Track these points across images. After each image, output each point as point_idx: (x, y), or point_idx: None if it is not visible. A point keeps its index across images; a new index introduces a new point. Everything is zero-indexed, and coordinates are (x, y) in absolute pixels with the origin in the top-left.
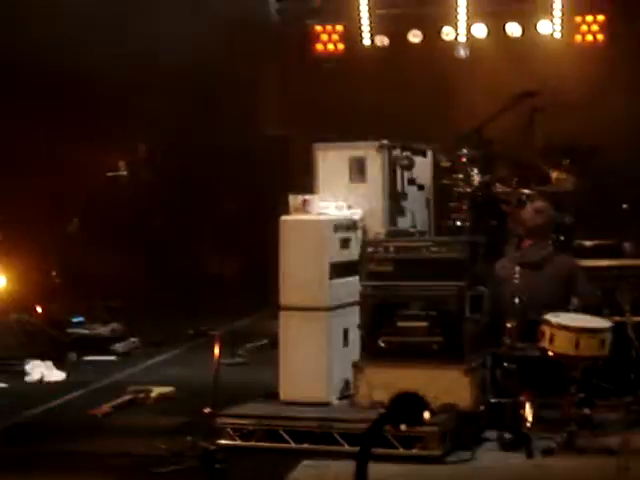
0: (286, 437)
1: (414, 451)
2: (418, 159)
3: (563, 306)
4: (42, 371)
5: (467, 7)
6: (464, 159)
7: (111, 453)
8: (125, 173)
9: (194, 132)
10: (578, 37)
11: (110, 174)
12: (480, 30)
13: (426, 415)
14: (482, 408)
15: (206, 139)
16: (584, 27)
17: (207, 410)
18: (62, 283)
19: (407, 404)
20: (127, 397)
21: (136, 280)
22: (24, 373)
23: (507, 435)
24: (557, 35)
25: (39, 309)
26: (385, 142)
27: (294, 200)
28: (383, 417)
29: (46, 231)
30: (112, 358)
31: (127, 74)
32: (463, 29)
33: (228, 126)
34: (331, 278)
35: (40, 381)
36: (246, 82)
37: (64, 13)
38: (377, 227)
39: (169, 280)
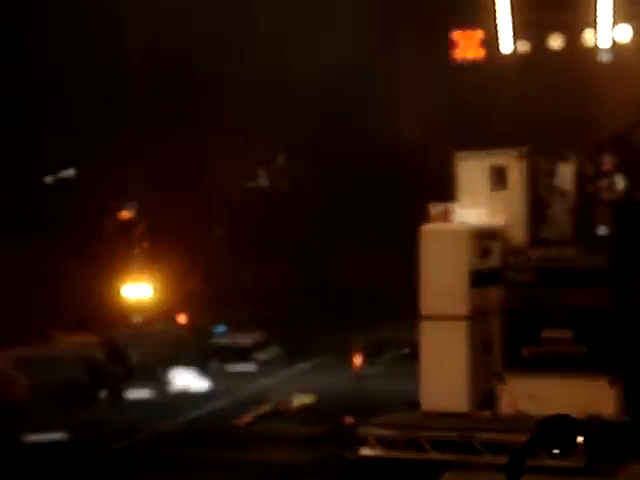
0: (428, 447)
1: (560, 462)
2: (561, 166)
3: None
4: (186, 380)
5: (612, 9)
6: (608, 166)
7: (254, 462)
8: (265, 182)
9: (333, 141)
10: None
11: (250, 184)
12: (624, 32)
13: (580, 440)
14: (628, 419)
15: (344, 147)
16: None
17: (348, 419)
18: (206, 292)
19: (560, 427)
20: (269, 406)
21: (278, 290)
22: (169, 382)
23: None
24: None
25: (183, 318)
26: (526, 149)
27: (435, 209)
28: (533, 440)
29: (191, 241)
30: (254, 367)
31: (267, 85)
32: (605, 32)
33: (366, 135)
34: (471, 287)
35: (184, 390)
36: (382, 92)
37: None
38: (518, 235)
39: (311, 289)
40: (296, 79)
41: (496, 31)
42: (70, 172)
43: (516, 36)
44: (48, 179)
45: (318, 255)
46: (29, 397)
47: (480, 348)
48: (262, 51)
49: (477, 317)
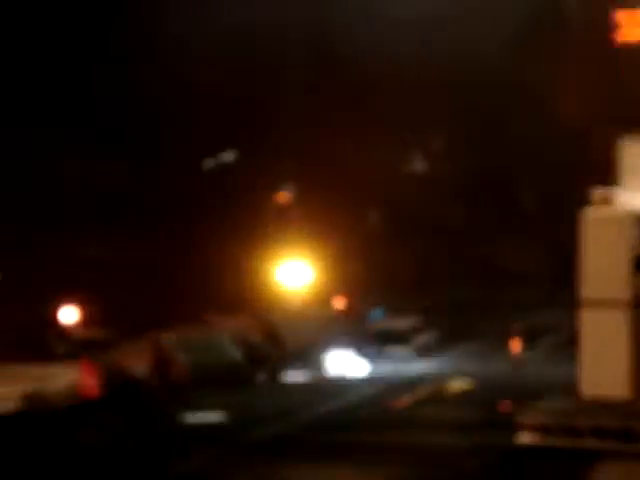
0: (587, 435)
1: None
2: None
3: None
4: (343, 363)
5: None
6: None
7: (412, 446)
8: (422, 167)
9: (491, 126)
10: None
11: (407, 168)
12: None
13: None
14: None
15: (503, 132)
16: None
17: (506, 405)
18: (363, 277)
19: None
20: (427, 390)
21: (436, 275)
22: (326, 365)
23: None
24: None
25: (341, 302)
26: None
27: (597, 193)
28: None
29: (348, 225)
30: (411, 351)
31: (424, 71)
32: None
33: (526, 119)
34: (634, 272)
35: (341, 373)
36: (541, 75)
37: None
38: None
39: (468, 275)
40: (449, 65)
41: None
42: (230, 156)
43: None
44: (208, 163)
45: (476, 241)
46: (189, 378)
47: None
48: (417, 36)
49: None
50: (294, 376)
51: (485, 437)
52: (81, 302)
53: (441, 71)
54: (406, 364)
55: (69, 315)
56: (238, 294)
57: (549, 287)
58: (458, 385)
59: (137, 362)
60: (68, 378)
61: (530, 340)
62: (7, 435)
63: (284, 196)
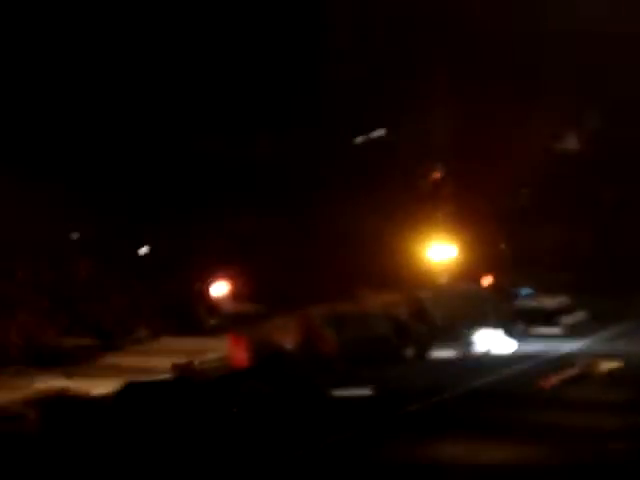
0: None
1: None
2: None
3: None
4: (491, 341)
5: None
6: None
7: (558, 425)
8: (574, 145)
9: None
10: None
11: (557, 147)
12: None
13: None
14: None
15: None
16: None
17: None
18: (512, 255)
19: None
20: (575, 370)
21: (585, 254)
22: (473, 343)
23: None
24: None
25: (489, 280)
26: None
27: None
28: None
29: (496, 204)
30: (560, 331)
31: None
32: None
33: None
34: None
35: (488, 351)
36: None
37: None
38: None
39: (618, 255)
40: (603, 39)
41: None
42: (381, 132)
43: None
44: (359, 139)
45: (627, 221)
46: (337, 352)
47: None
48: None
49: None
50: (441, 352)
51: (633, 419)
52: (232, 276)
53: (595, 46)
54: (554, 344)
55: (220, 289)
56: (388, 270)
57: None
58: (607, 366)
59: (286, 336)
60: (218, 351)
61: None
62: (165, 400)
63: (437, 174)
